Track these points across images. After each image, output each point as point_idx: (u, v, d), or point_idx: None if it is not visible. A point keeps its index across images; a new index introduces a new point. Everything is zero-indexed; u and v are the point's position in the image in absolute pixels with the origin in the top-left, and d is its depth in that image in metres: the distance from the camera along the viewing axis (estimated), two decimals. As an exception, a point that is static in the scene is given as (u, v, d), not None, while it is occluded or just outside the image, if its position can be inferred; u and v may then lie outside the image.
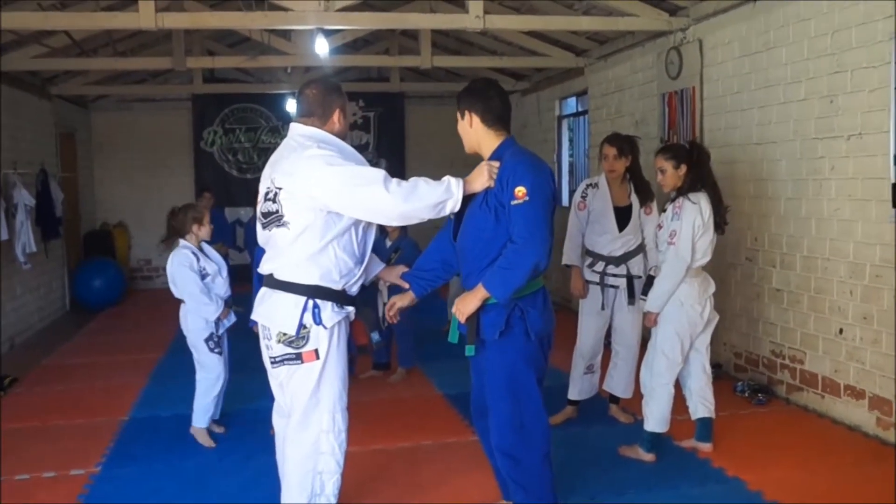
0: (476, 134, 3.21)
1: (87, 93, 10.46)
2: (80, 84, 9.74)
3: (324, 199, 3.00)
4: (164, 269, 4.83)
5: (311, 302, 3.08)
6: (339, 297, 3.14)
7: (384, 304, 3.88)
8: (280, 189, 3.05)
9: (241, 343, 5.16)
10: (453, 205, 3.07)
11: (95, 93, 10.61)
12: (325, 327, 3.09)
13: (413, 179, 3.05)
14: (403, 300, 3.41)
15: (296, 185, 3.02)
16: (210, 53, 9.36)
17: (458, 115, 3.24)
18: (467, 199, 3.11)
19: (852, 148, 4.72)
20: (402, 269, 3.50)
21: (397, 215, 3.07)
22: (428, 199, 3.01)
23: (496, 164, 3.11)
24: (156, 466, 4.42)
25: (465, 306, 3.11)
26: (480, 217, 3.11)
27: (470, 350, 3.16)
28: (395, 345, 6.23)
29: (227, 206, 11.20)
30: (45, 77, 9.10)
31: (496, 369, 3.18)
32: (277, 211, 3.07)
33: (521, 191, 3.00)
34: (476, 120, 3.18)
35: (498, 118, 3.20)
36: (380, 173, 3.00)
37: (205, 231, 4.81)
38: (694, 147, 4.35)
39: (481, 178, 3.09)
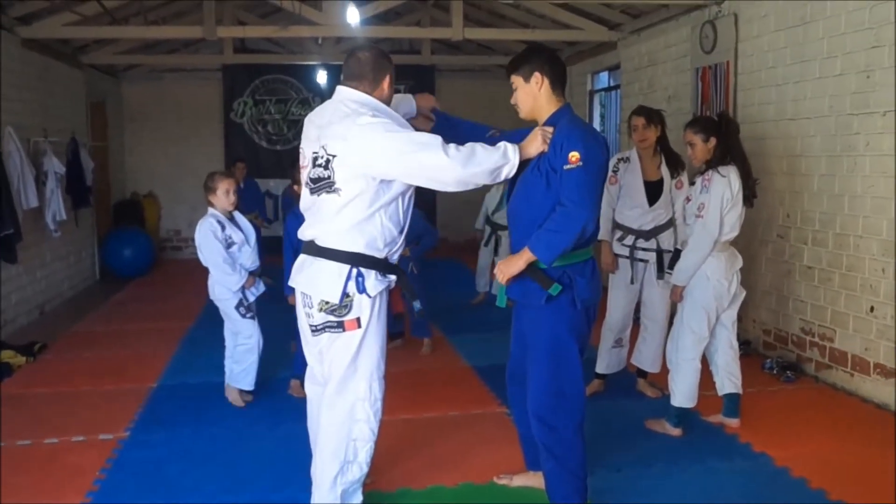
0: (541, 98, 3.20)
1: (119, 62, 10.47)
2: (112, 53, 9.75)
3: (382, 168, 2.97)
4: (194, 239, 4.83)
5: (354, 270, 3.05)
6: (382, 266, 3.13)
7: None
8: (334, 156, 3.00)
9: (269, 312, 5.20)
10: (509, 170, 3.06)
11: (126, 62, 10.62)
12: (370, 296, 3.08)
13: (469, 145, 3.02)
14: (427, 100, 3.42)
15: (351, 153, 2.97)
16: (241, 23, 9.34)
17: (521, 78, 3.20)
18: (521, 164, 3.10)
19: (888, 124, 4.63)
20: (433, 98, 3.49)
21: (454, 180, 3.02)
22: (486, 164, 3.00)
23: (550, 129, 3.11)
24: (184, 432, 4.45)
25: (507, 267, 3.11)
26: (532, 182, 3.12)
27: (556, 288, 3.07)
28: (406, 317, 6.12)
29: (257, 177, 11.19)
30: (77, 46, 9.14)
31: (539, 335, 3.20)
32: (329, 177, 3.02)
33: (574, 156, 2.99)
34: (546, 83, 3.17)
35: (562, 83, 3.22)
36: (436, 139, 2.98)
37: (221, 201, 4.77)
38: (723, 118, 4.28)
39: (535, 143, 3.10)
